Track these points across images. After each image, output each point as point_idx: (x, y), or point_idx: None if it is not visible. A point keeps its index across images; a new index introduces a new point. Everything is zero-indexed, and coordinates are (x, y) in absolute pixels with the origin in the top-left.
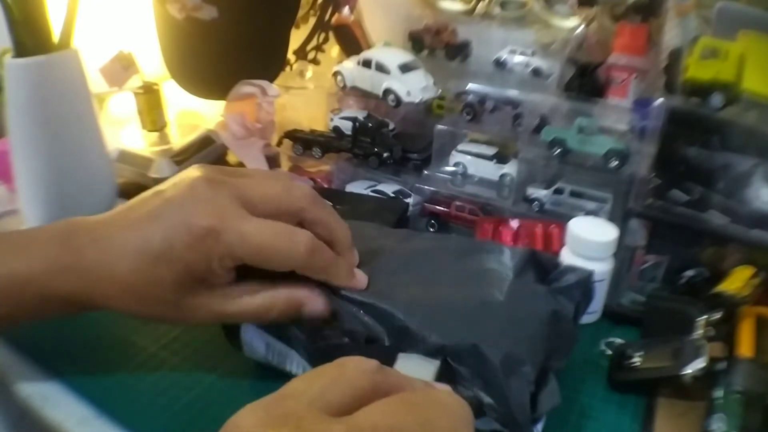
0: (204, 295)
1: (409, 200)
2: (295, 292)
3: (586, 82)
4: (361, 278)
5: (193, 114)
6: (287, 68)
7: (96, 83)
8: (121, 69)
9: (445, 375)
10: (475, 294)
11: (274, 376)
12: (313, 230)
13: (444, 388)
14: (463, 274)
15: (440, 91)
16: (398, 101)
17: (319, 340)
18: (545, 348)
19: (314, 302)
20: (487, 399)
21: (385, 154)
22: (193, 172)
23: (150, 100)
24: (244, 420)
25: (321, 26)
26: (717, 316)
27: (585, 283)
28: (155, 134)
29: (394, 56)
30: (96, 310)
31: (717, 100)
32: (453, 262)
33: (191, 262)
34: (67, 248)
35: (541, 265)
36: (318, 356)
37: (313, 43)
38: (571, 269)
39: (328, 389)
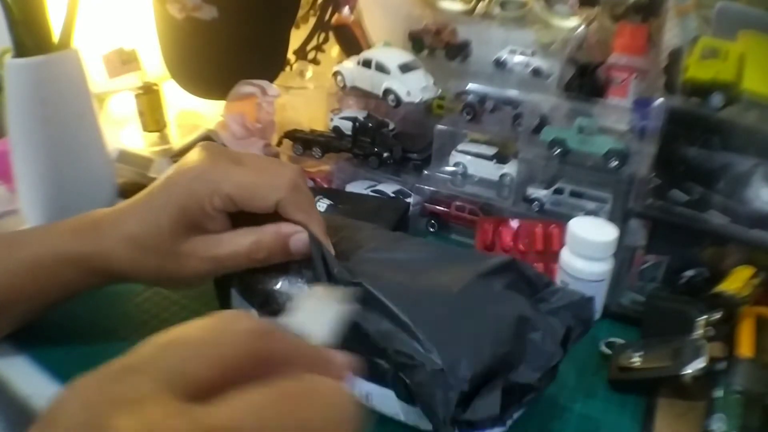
0: (198, 241)
1: (409, 200)
2: (281, 227)
3: (586, 82)
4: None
5: (193, 114)
6: (287, 68)
7: (96, 83)
8: (119, 62)
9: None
10: (429, 283)
11: None
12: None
13: (340, 361)
14: (430, 268)
15: (440, 91)
16: (398, 101)
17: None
18: (499, 352)
19: (299, 236)
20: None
21: (385, 154)
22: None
23: (151, 100)
24: (70, 400)
25: (321, 26)
26: (717, 316)
27: (577, 306)
28: (155, 134)
29: (394, 56)
30: (111, 275)
31: (717, 100)
32: (427, 260)
33: (185, 205)
34: (89, 221)
35: (528, 280)
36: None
37: (313, 43)
38: (565, 290)
39: (188, 360)
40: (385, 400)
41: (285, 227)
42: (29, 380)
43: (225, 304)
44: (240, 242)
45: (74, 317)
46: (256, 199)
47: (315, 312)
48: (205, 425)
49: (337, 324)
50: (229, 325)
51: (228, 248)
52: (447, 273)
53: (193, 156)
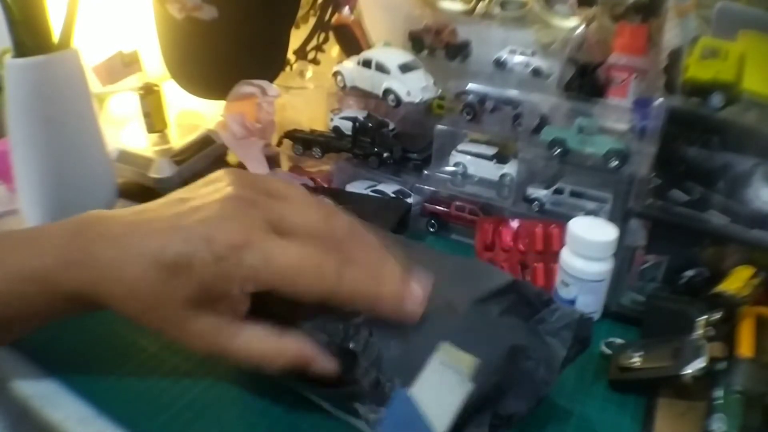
0: (211, 324)
1: (410, 200)
2: (306, 348)
3: (586, 82)
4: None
5: (193, 114)
6: (287, 68)
7: (96, 83)
8: (121, 66)
9: (476, 401)
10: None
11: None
12: None
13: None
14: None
15: (440, 91)
16: (398, 101)
17: None
18: (490, 381)
19: (324, 361)
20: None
21: (385, 154)
22: (226, 186)
23: (155, 101)
24: None
25: (321, 26)
26: (717, 316)
27: (576, 325)
28: (155, 134)
29: (394, 56)
30: (100, 309)
31: (717, 100)
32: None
33: (209, 282)
34: (76, 242)
35: (528, 301)
36: None
37: (313, 43)
38: (564, 310)
39: None
40: None
41: (310, 349)
42: (29, 380)
43: None
44: (257, 346)
45: (75, 316)
46: (298, 288)
47: (439, 390)
48: None
49: (457, 409)
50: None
51: (241, 346)
52: (446, 297)
53: (222, 208)
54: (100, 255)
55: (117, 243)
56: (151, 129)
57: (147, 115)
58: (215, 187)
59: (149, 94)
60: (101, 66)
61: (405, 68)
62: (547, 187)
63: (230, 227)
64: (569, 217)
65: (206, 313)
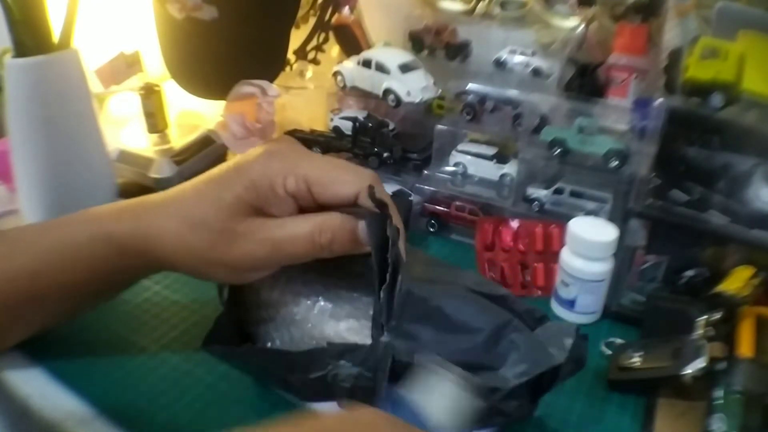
0: (257, 222)
1: (410, 199)
2: (350, 217)
3: (586, 82)
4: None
5: (193, 114)
6: (287, 68)
7: (96, 83)
8: (123, 67)
9: (472, 391)
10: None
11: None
12: None
13: None
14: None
15: (440, 91)
16: (398, 101)
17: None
18: (462, 346)
19: (363, 232)
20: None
21: (385, 154)
22: None
23: (157, 101)
24: None
25: (321, 26)
26: (717, 316)
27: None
28: (155, 134)
29: (394, 56)
30: (151, 258)
31: (717, 100)
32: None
33: (255, 181)
34: (135, 201)
35: (519, 316)
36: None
37: (313, 43)
38: (559, 326)
39: None
40: None
41: (354, 219)
42: (29, 380)
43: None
44: (302, 224)
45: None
46: (337, 184)
47: (444, 399)
48: None
49: (463, 416)
50: (371, 426)
51: (288, 230)
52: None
53: (270, 143)
54: (153, 207)
55: (168, 193)
56: (152, 129)
57: (149, 116)
58: None
59: (151, 95)
60: (104, 68)
61: (405, 68)
62: (547, 187)
63: (278, 145)
64: (569, 217)
65: (254, 214)
